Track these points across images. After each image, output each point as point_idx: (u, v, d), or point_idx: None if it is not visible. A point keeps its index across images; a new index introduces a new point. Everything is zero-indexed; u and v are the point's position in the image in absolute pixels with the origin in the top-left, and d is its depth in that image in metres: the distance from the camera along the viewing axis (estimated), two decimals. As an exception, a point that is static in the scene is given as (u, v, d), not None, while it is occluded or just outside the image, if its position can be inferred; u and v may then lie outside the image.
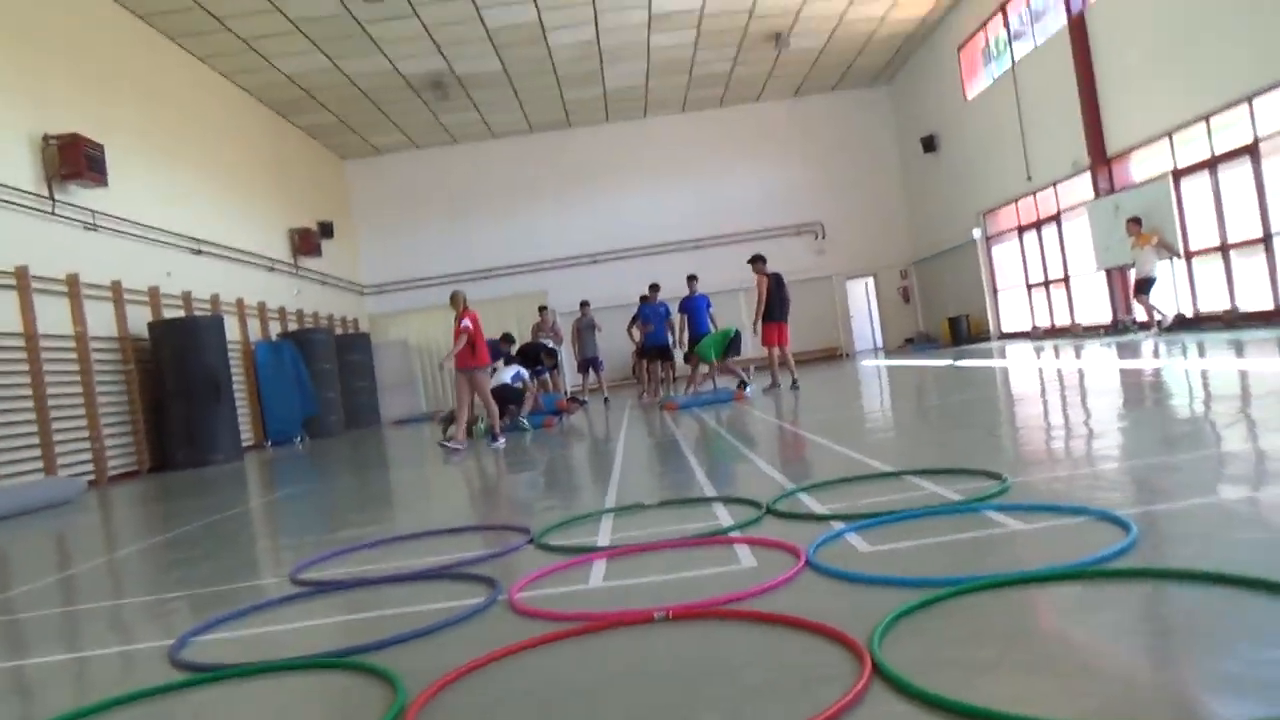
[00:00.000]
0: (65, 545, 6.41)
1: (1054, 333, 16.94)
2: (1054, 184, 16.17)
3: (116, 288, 11.82)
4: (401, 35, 15.61)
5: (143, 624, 3.46)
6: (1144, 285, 13.03)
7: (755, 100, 22.74)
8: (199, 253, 14.26)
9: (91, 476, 10.62)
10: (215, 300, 14.33)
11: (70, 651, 3.15)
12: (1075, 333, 15.99)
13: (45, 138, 10.76)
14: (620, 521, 4.12)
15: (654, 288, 14.42)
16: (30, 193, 10.44)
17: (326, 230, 19.52)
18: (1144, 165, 13.84)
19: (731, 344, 12.46)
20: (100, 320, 11.42)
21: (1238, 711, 1.57)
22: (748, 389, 11.76)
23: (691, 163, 22.78)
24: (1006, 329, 19.26)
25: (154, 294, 12.68)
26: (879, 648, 1.99)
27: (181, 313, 13.24)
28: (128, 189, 12.24)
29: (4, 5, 10.53)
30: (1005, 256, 19.05)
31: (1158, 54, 12.62)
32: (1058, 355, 12.07)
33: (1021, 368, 10.83)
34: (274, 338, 16.14)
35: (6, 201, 10.01)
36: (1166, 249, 12.87)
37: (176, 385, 11.99)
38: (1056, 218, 16.46)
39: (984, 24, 17.82)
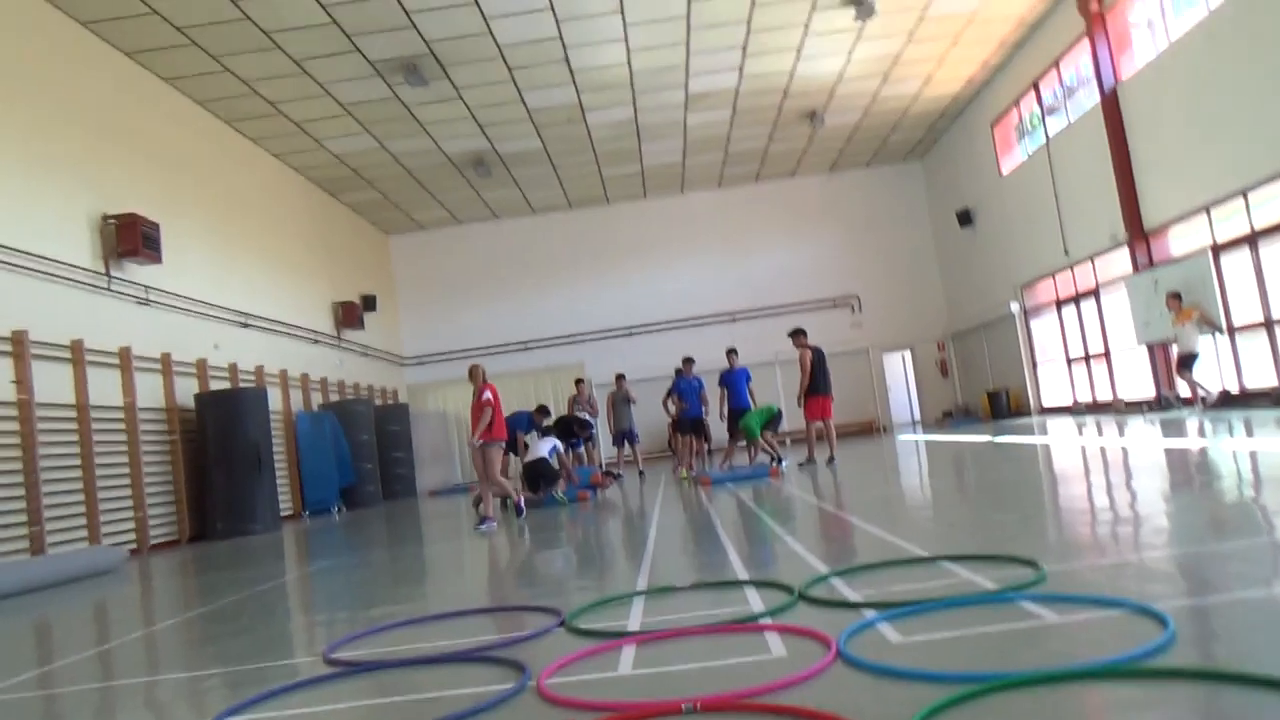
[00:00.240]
0: (105, 617, 6.50)
1: (1095, 408, 16.68)
2: (1091, 258, 16.11)
3: (166, 360, 12.17)
4: (446, 117, 16.18)
5: (178, 703, 3.50)
6: (1187, 361, 12.83)
7: (790, 175, 23.08)
8: (246, 326, 14.65)
9: (133, 545, 10.80)
10: (260, 372, 14.66)
11: (106, 730, 3.19)
12: (1117, 408, 15.72)
13: (105, 217, 11.25)
14: (652, 604, 4.11)
15: (688, 361, 14.35)
16: (88, 269, 10.87)
17: (369, 303, 19.97)
18: (1183, 240, 13.76)
19: (773, 420, 12.45)
20: (149, 391, 11.74)
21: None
22: (783, 465, 11.69)
23: (728, 236, 23.08)
24: (1047, 403, 18.99)
25: (201, 366, 13.02)
26: (907, 748, 1.97)
27: (227, 384, 13.56)
28: (180, 265, 12.69)
29: (74, 96, 11.13)
30: (1044, 330, 18.90)
31: (1193, 130, 12.65)
32: (1100, 432, 11.87)
33: (1063, 445, 10.65)
34: (315, 408, 16.43)
35: (66, 278, 10.43)
36: (1209, 324, 12.70)
37: (218, 456, 12.21)
38: (1095, 292, 16.35)
39: (1017, 100, 18.03)
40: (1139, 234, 14.34)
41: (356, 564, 7.75)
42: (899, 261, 23.13)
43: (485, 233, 23.23)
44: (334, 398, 17.57)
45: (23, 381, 9.36)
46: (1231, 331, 12.70)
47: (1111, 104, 14.41)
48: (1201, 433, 9.57)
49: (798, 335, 12.42)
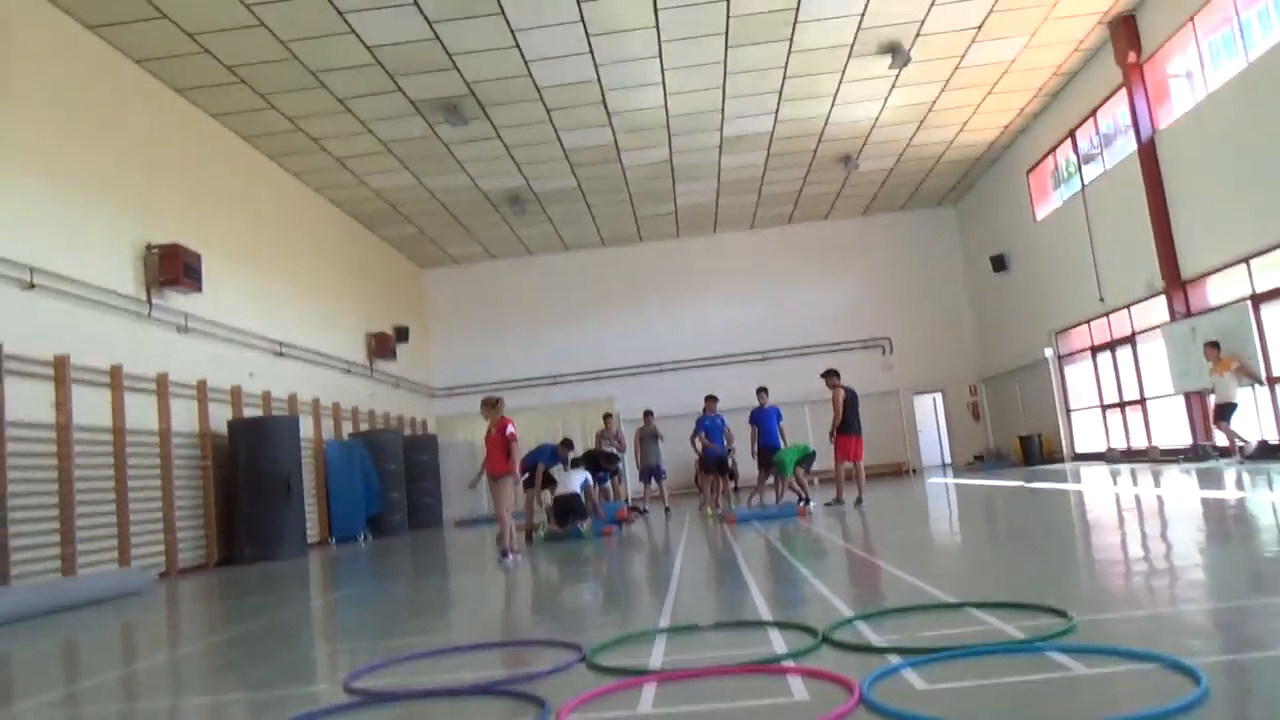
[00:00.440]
0: (132, 638, 6.56)
1: (1130, 455, 16.38)
2: (1128, 306, 15.93)
3: (201, 387, 12.38)
4: (484, 155, 16.45)
5: (200, 726, 3.52)
6: (1225, 411, 12.60)
7: (824, 218, 23.12)
8: (280, 354, 14.87)
9: (162, 568, 10.91)
10: (293, 400, 14.85)
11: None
12: (1152, 456, 15.43)
13: (148, 246, 11.52)
14: (674, 642, 4.08)
15: (711, 399, 14.33)
16: (130, 296, 11.13)
17: (402, 335, 20.21)
18: (1221, 290, 13.58)
19: (808, 458, 12.48)
20: (183, 417, 11.93)
21: None
22: (810, 505, 11.60)
23: (759, 277, 23.12)
24: (1080, 449, 18.68)
25: (235, 393, 13.22)
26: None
27: (260, 411, 13.74)
28: (218, 294, 12.94)
29: (126, 130, 11.47)
30: (1079, 376, 18.66)
31: (1231, 180, 12.54)
32: (1135, 480, 11.65)
33: (1096, 492, 10.47)
34: (346, 437, 16.59)
35: (109, 305, 10.68)
36: (1248, 375, 12.48)
37: (249, 482, 12.35)
38: (1131, 339, 16.15)
39: (1053, 148, 17.98)
40: (1176, 283, 14.17)
41: (381, 593, 7.77)
42: (931, 305, 23.01)
43: (518, 268, 23.48)
44: (364, 426, 17.73)
45: (62, 405, 9.56)
46: (1272, 382, 12.47)
47: (1149, 152, 14.32)
48: (1239, 484, 9.36)
49: (831, 375, 12.54)
